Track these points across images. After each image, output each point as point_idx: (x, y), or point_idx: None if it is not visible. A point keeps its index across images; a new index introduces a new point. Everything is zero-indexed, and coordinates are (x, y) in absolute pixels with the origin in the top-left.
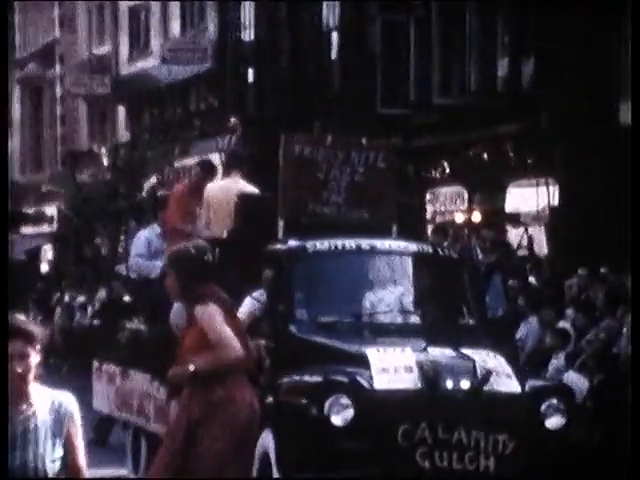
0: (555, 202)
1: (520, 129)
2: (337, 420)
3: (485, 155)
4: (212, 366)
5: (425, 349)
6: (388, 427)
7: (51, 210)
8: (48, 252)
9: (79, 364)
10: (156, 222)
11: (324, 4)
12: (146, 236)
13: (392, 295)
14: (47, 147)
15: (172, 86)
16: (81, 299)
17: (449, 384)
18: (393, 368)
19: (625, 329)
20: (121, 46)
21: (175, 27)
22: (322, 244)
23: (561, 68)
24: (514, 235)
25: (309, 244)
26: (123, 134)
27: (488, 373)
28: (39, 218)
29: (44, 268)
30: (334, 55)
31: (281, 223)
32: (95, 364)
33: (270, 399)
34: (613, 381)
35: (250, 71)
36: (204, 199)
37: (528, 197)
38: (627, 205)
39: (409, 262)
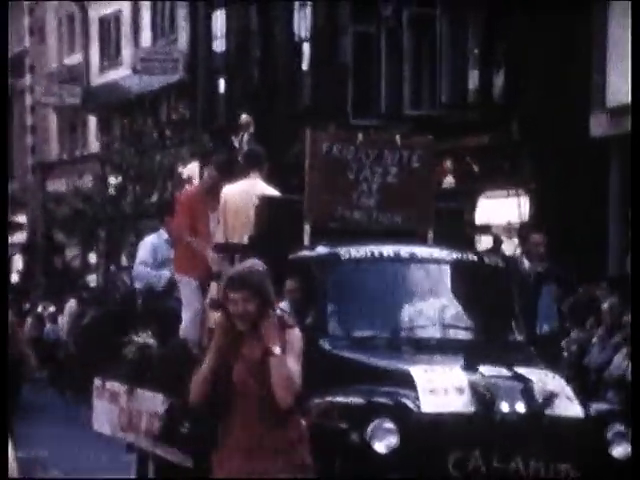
0: (526, 213)
1: (491, 140)
2: (380, 447)
3: (455, 166)
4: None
5: (476, 368)
6: (437, 455)
7: (22, 219)
8: (18, 262)
9: (78, 381)
10: (163, 228)
11: (296, 15)
12: (152, 243)
13: (433, 308)
14: (17, 157)
15: (143, 96)
16: (52, 309)
17: (505, 407)
18: (442, 389)
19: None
20: (92, 56)
21: (146, 37)
22: (357, 251)
23: (531, 79)
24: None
25: (342, 251)
26: (95, 145)
27: (551, 395)
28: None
29: (14, 278)
30: (305, 66)
31: (307, 228)
32: (97, 382)
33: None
34: None
35: (221, 81)
36: (221, 203)
37: (499, 208)
38: (602, 214)
39: (451, 271)
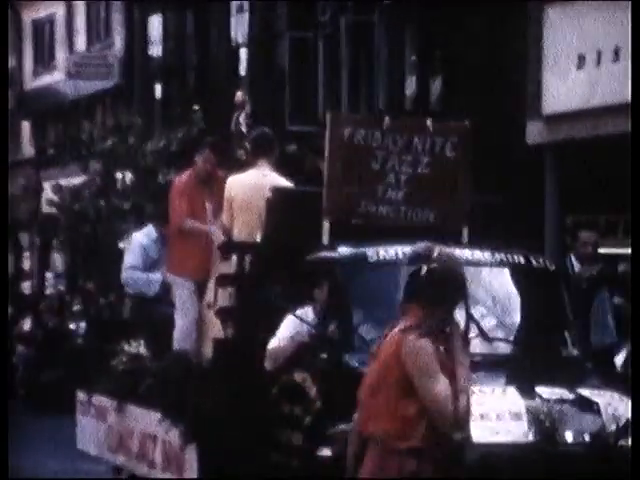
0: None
1: None
2: None
3: None
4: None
5: (532, 389)
6: None
7: None
8: None
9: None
10: (152, 223)
11: (232, 20)
12: (141, 243)
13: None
14: None
15: (78, 101)
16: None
17: (569, 437)
18: (495, 414)
19: None
20: (25, 60)
21: (81, 41)
22: (387, 252)
23: (468, 87)
24: None
25: (370, 251)
26: (29, 150)
27: (625, 423)
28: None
29: None
30: (242, 71)
31: (326, 225)
32: (80, 395)
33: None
34: None
35: (158, 87)
36: (226, 196)
37: None
38: (538, 221)
39: (493, 275)
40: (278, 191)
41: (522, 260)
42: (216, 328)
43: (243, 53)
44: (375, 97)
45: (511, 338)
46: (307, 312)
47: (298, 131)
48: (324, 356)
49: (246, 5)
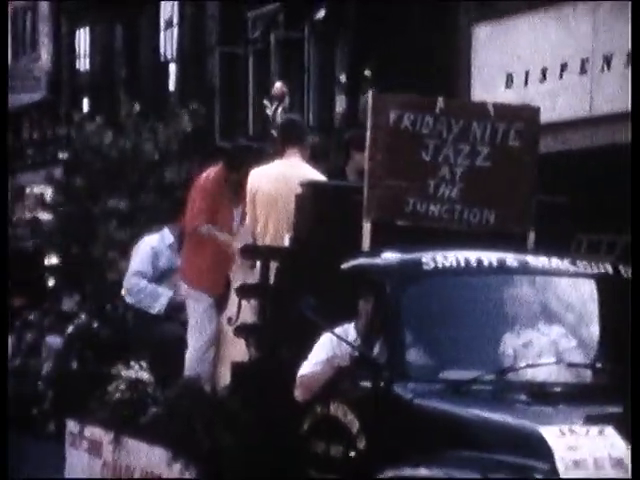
0: None
1: None
2: None
3: None
4: None
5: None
6: None
7: None
8: None
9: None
10: (167, 226)
11: (162, 34)
12: (153, 246)
13: (546, 338)
14: None
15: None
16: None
17: None
18: (592, 460)
19: None
20: None
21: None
22: (446, 259)
23: None
24: None
25: (425, 258)
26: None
27: None
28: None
29: None
30: (172, 86)
31: (367, 227)
32: (71, 426)
33: None
34: None
35: (85, 101)
36: (249, 191)
37: None
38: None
39: (576, 288)
40: (310, 185)
41: (610, 270)
42: (237, 349)
43: (173, 68)
44: (305, 113)
45: (598, 365)
46: (347, 330)
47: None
48: (368, 384)
49: (175, 20)
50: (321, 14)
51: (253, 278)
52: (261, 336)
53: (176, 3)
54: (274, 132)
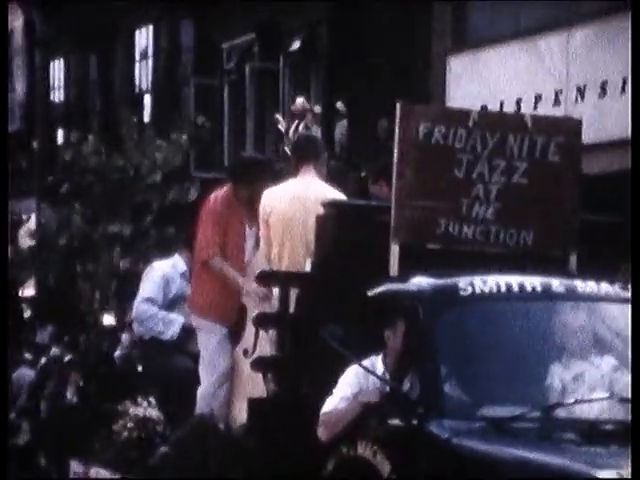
0: None
1: None
2: None
3: None
4: None
5: None
6: None
7: None
8: None
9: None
10: (179, 253)
11: (136, 65)
12: (164, 273)
13: (597, 370)
14: None
15: None
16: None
17: None
18: None
19: None
20: None
21: None
22: (484, 283)
23: (373, 133)
24: None
25: (463, 283)
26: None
27: None
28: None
29: None
30: (147, 117)
31: (395, 250)
32: (75, 466)
33: None
34: None
35: (60, 132)
36: (262, 214)
37: None
38: None
39: (624, 315)
40: (332, 205)
41: None
42: (253, 384)
43: (147, 99)
44: (280, 143)
45: None
46: (374, 363)
47: (203, 178)
48: (400, 422)
49: (150, 51)
50: (296, 45)
51: (270, 307)
52: (280, 369)
53: (151, 34)
54: (288, 150)
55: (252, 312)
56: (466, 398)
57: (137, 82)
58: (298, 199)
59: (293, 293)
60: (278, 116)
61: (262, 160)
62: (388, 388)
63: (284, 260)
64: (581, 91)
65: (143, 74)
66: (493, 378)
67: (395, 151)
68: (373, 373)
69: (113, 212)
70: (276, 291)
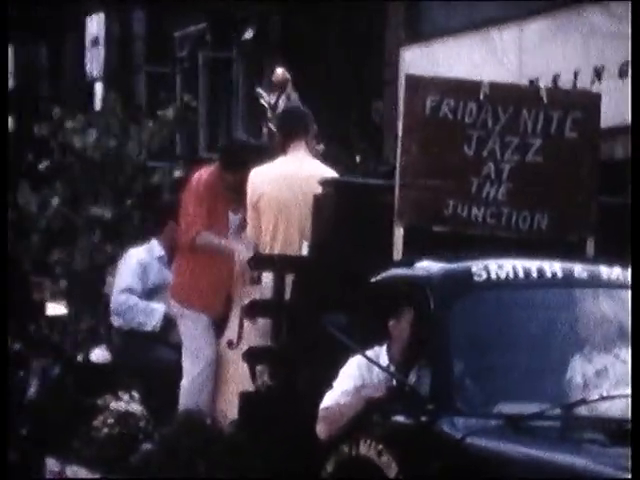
0: None
1: None
2: None
3: None
4: None
5: None
6: None
7: None
8: None
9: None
10: (156, 238)
11: (87, 53)
12: (140, 260)
13: (623, 365)
14: None
15: None
16: None
17: None
18: None
19: None
20: None
21: None
22: (501, 268)
23: (326, 121)
24: None
25: (477, 268)
26: None
27: None
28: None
29: None
30: (98, 106)
31: (399, 232)
32: (50, 464)
33: None
34: None
35: (10, 120)
36: (250, 196)
37: None
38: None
39: None
40: (332, 184)
41: None
42: (239, 378)
43: (98, 87)
44: (233, 132)
45: None
46: (377, 354)
47: (155, 167)
48: (407, 420)
49: (101, 39)
50: (249, 34)
51: (260, 294)
52: (275, 361)
53: (102, 21)
54: (272, 126)
55: (238, 300)
56: (480, 393)
57: (88, 70)
58: (290, 179)
59: (288, 279)
60: (260, 90)
61: (256, 146)
62: (394, 381)
63: (277, 244)
64: (533, 83)
65: (94, 62)
66: (509, 372)
67: (399, 126)
68: (379, 365)
69: (95, 194)
70: (268, 277)
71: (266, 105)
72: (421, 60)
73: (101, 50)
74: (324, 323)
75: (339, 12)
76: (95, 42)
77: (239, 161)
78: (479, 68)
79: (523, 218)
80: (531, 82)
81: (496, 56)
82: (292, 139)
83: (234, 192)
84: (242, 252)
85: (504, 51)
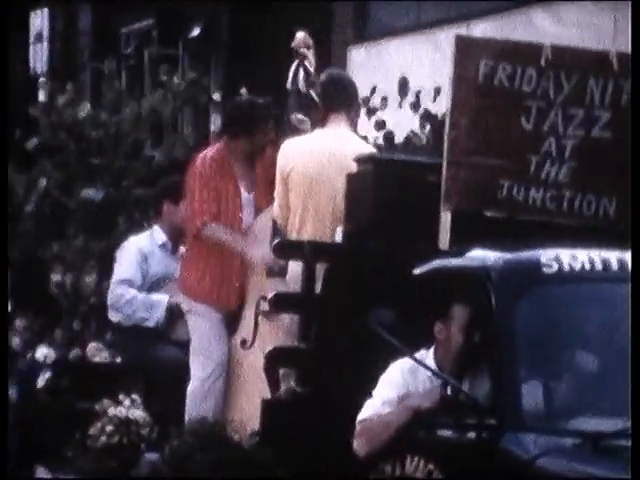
0: None
1: None
2: None
3: None
4: None
5: None
6: None
7: None
8: None
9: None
10: (158, 223)
11: (31, 49)
12: (141, 249)
13: None
14: None
15: None
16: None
17: None
18: None
19: None
20: None
21: None
22: (574, 259)
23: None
24: None
25: (546, 258)
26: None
27: None
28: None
29: None
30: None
31: (446, 217)
32: (40, 473)
33: None
34: None
35: None
36: (280, 171)
37: None
38: None
39: None
40: (369, 161)
41: None
42: (257, 381)
43: (43, 83)
44: (179, 130)
45: None
46: (423, 358)
47: (100, 165)
48: (464, 435)
49: (46, 34)
50: (195, 32)
51: (283, 285)
52: (305, 364)
53: (46, 16)
54: (293, 99)
55: (254, 292)
56: (551, 406)
57: (32, 66)
58: (326, 154)
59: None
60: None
61: (263, 104)
62: (448, 390)
63: (306, 228)
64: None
65: (38, 57)
66: (586, 381)
67: (449, 96)
68: (434, 371)
69: (89, 175)
70: (295, 267)
71: (302, 87)
72: (368, 60)
73: (45, 45)
74: (370, 320)
75: (286, 11)
76: (39, 37)
77: (249, 125)
78: (426, 67)
79: (588, 203)
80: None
81: (443, 55)
82: (333, 110)
83: (245, 167)
84: (253, 253)
85: (451, 51)
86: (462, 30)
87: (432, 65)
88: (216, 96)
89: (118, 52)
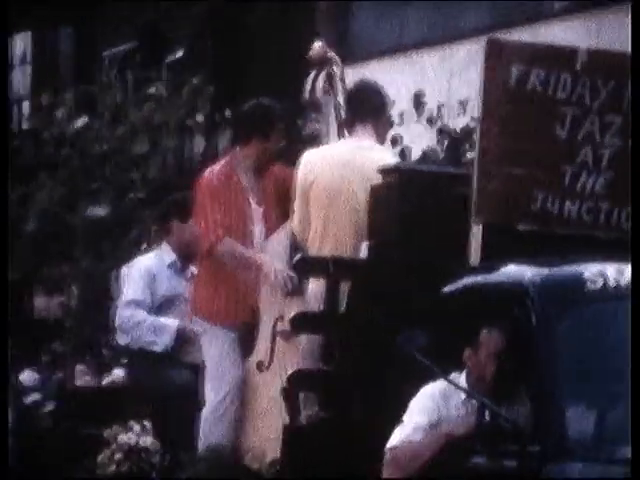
0: None
1: None
2: None
3: None
4: None
5: None
6: None
7: None
8: None
9: None
10: (167, 241)
11: (18, 69)
12: (148, 269)
13: None
14: None
15: None
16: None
17: None
18: None
19: None
20: None
21: None
22: (621, 274)
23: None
24: None
25: (590, 273)
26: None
27: None
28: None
29: None
30: (26, 125)
31: (477, 231)
32: None
33: None
34: None
35: None
36: (300, 182)
37: None
38: None
39: None
40: (394, 172)
41: None
42: (275, 405)
43: (26, 106)
44: (163, 154)
45: None
46: (457, 381)
47: None
48: (503, 464)
49: (29, 56)
50: (178, 54)
51: (302, 302)
52: (329, 388)
53: (29, 40)
54: (312, 114)
55: (270, 311)
56: (600, 433)
57: (15, 89)
58: (350, 166)
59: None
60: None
61: (279, 105)
62: (486, 414)
63: (327, 244)
64: (463, 105)
65: (21, 79)
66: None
67: (479, 102)
68: (473, 394)
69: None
70: (315, 285)
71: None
72: (351, 81)
73: (28, 68)
74: (400, 342)
75: (270, 35)
76: (23, 59)
77: (264, 121)
78: (408, 89)
79: (626, 215)
80: (460, 103)
81: (426, 78)
82: (360, 120)
83: (255, 178)
84: (270, 266)
85: (434, 73)
86: (445, 53)
87: (414, 87)
88: (199, 118)
89: (100, 75)
